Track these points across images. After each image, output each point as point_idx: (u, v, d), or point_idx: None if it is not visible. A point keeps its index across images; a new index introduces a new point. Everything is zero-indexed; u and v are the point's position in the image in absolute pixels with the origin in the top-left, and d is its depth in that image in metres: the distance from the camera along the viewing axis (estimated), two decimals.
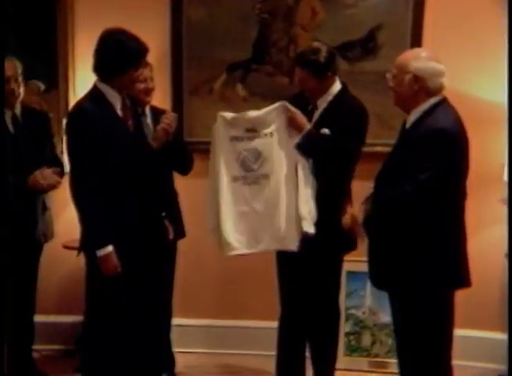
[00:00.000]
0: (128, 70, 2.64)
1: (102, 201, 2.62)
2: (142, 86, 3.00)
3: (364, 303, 3.55)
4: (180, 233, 3.17)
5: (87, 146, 2.61)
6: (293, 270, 2.96)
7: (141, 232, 2.72)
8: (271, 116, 2.89)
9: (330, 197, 2.86)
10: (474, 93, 3.35)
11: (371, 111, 3.30)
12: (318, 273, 2.93)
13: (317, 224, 2.85)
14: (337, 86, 2.90)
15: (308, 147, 2.84)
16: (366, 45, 3.45)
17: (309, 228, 2.82)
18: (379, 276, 2.57)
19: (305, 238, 2.84)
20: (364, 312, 3.56)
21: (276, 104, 2.89)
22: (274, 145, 2.88)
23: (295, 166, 2.85)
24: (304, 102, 2.94)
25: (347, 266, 3.22)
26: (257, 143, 2.90)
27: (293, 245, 2.86)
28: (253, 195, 2.90)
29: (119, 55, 2.61)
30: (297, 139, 2.85)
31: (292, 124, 2.86)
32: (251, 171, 2.90)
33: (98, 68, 2.69)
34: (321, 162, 2.85)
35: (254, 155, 2.90)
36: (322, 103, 2.90)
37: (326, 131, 2.83)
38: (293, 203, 2.85)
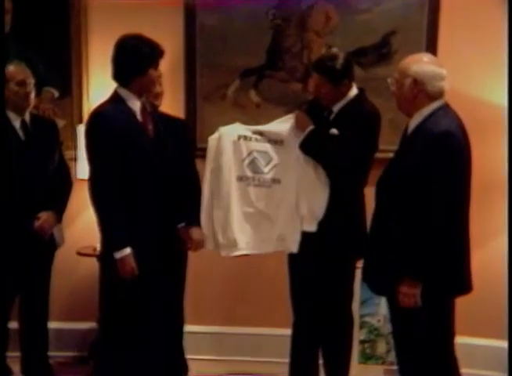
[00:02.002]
0: (148, 69, 2.72)
1: (120, 205, 2.69)
2: (152, 91, 3.01)
3: (379, 311, 3.56)
4: None
5: (107, 151, 2.66)
6: (305, 277, 2.99)
7: (154, 238, 2.78)
8: (280, 125, 2.97)
9: (341, 202, 2.90)
10: (490, 99, 3.36)
11: (385, 117, 3.27)
12: (329, 279, 2.96)
13: (328, 230, 2.89)
14: (353, 92, 2.94)
15: (310, 146, 2.89)
16: (380, 51, 3.47)
17: (309, 227, 2.89)
18: (379, 282, 2.63)
19: (319, 241, 2.89)
20: (379, 320, 3.57)
21: (288, 115, 2.98)
22: (285, 153, 2.95)
23: (306, 170, 2.91)
24: (320, 107, 2.99)
25: (361, 275, 3.24)
26: (268, 148, 2.98)
27: (293, 247, 2.94)
28: (258, 196, 2.97)
29: (137, 55, 2.69)
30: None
31: (297, 126, 2.92)
32: (260, 174, 2.98)
33: (117, 73, 2.76)
34: (324, 163, 2.88)
35: (265, 159, 2.98)
36: (338, 107, 2.94)
37: (334, 131, 2.87)
38: (296, 203, 2.92)
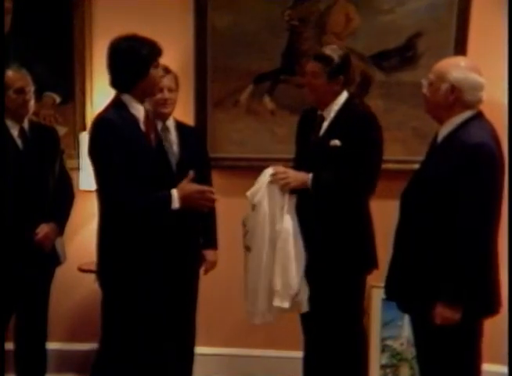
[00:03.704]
0: (148, 70, 2.65)
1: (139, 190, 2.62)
2: (158, 96, 2.93)
3: (401, 334, 3.49)
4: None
5: (116, 158, 2.59)
6: (313, 295, 2.92)
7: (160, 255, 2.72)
8: (260, 188, 2.88)
9: (347, 215, 2.86)
10: None
11: (409, 125, 3.31)
12: (339, 295, 2.91)
13: (335, 245, 2.85)
14: (343, 96, 2.91)
15: (324, 191, 2.83)
16: (405, 54, 3.39)
17: (281, 303, 2.83)
18: (405, 299, 2.57)
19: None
20: (402, 344, 3.51)
21: (266, 175, 2.87)
22: (256, 217, 2.86)
23: (275, 238, 2.83)
24: (313, 117, 2.96)
25: (382, 294, 3.14)
26: (245, 215, 2.92)
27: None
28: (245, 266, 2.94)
29: (135, 57, 2.63)
30: (293, 197, 2.86)
31: (294, 184, 2.84)
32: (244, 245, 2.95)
33: (117, 80, 2.69)
34: (345, 195, 2.85)
35: (242, 225, 2.93)
36: (330, 113, 2.90)
37: (336, 142, 2.84)
38: (271, 277, 2.85)
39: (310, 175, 2.83)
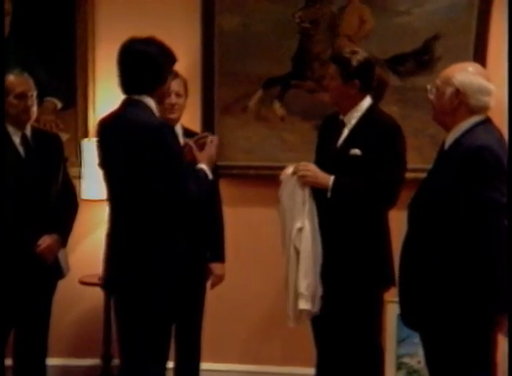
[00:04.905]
0: (167, 77, 2.71)
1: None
2: (165, 101, 2.89)
3: (418, 351, 3.34)
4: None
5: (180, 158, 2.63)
6: (326, 310, 2.88)
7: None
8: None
9: (364, 229, 2.82)
10: None
11: (425, 132, 3.30)
12: (349, 310, 2.86)
13: (348, 259, 2.81)
14: (366, 102, 2.86)
15: (344, 194, 2.79)
16: (421, 58, 3.37)
17: (306, 305, 2.80)
18: (411, 314, 2.54)
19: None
20: (419, 362, 3.45)
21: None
22: (282, 215, 2.86)
23: (298, 236, 2.81)
24: (334, 123, 2.92)
25: (398, 309, 3.06)
26: None
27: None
28: None
29: (161, 64, 2.66)
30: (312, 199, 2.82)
31: (311, 181, 2.81)
32: None
33: (141, 81, 2.67)
34: (363, 201, 2.80)
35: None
36: (351, 120, 2.86)
37: (356, 151, 2.79)
38: (295, 278, 2.82)
39: (332, 177, 2.79)
